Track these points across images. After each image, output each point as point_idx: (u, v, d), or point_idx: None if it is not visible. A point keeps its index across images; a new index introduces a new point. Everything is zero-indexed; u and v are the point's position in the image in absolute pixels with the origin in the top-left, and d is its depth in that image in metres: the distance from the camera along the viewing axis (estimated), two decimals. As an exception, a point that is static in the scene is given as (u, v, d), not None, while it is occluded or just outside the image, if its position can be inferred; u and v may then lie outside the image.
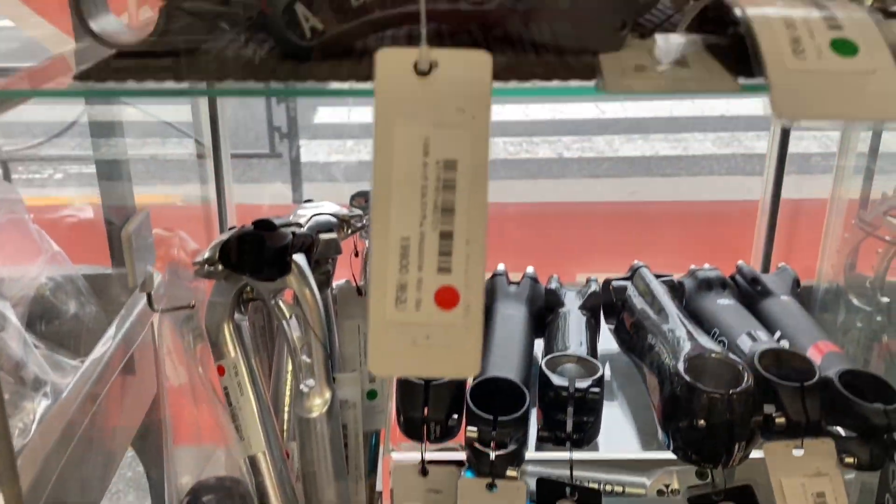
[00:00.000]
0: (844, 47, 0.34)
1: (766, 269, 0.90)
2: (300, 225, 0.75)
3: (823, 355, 0.68)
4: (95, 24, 0.42)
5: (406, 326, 0.38)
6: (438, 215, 0.37)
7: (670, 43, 0.43)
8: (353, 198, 0.84)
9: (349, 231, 0.79)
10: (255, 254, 0.69)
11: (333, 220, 0.78)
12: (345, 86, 0.38)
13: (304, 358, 0.71)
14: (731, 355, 0.63)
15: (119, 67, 0.40)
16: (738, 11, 0.37)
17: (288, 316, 0.71)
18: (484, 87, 0.37)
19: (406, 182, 0.37)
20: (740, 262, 0.80)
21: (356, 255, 0.82)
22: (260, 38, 0.45)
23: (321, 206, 0.80)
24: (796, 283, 0.78)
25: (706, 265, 0.79)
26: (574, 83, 0.38)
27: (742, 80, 0.37)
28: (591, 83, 0.38)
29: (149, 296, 0.67)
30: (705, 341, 0.65)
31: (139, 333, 0.81)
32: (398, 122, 0.37)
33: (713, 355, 0.63)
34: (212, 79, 0.39)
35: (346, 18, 0.41)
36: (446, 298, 0.38)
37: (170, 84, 0.38)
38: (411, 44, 0.44)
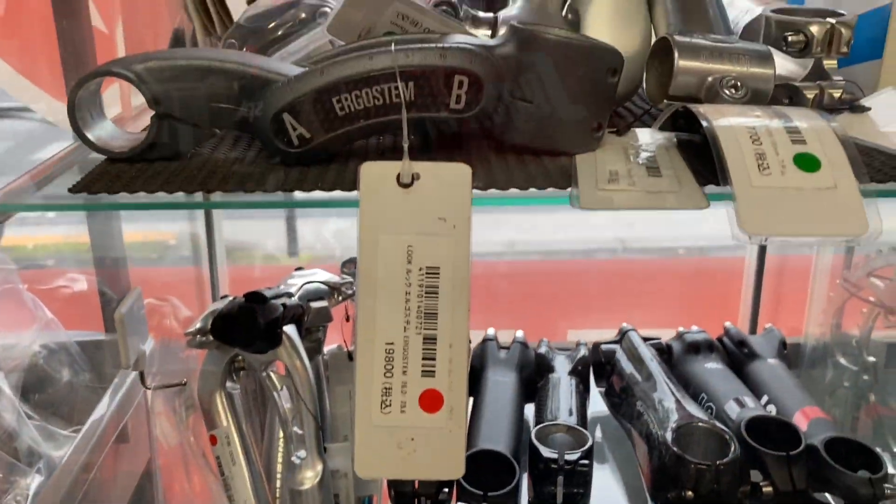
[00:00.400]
0: (807, 162, 0.36)
1: (753, 328, 0.91)
2: (291, 294, 0.76)
3: (810, 421, 0.68)
4: (91, 132, 0.44)
5: (391, 430, 0.38)
6: (422, 320, 0.39)
7: (643, 144, 0.44)
8: (344, 264, 0.85)
9: (340, 298, 0.80)
10: (247, 327, 0.70)
11: (324, 287, 0.79)
12: (331, 196, 0.40)
13: (296, 429, 0.72)
14: (719, 424, 0.64)
15: (112, 177, 0.42)
16: (704, 123, 0.39)
17: (279, 387, 0.72)
18: (464, 198, 0.38)
19: (390, 289, 0.39)
20: (727, 323, 0.81)
21: (347, 319, 0.83)
22: (248, 141, 0.47)
23: (312, 274, 0.81)
24: (783, 344, 0.79)
25: (694, 327, 0.80)
26: (552, 191, 0.40)
27: (711, 188, 0.39)
28: (567, 192, 0.39)
29: (141, 374, 0.68)
30: (693, 409, 0.66)
31: (133, 401, 0.82)
32: (382, 231, 0.38)
33: (700, 424, 0.64)
34: (202, 189, 0.40)
35: (333, 127, 0.43)
36: (430, 402, 0.39)
37: (162, 195, 0.39)
38: (396, 148, 0.46)
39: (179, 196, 0.39)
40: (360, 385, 0.39)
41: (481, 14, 0.52)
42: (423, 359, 0.38)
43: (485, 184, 0.40)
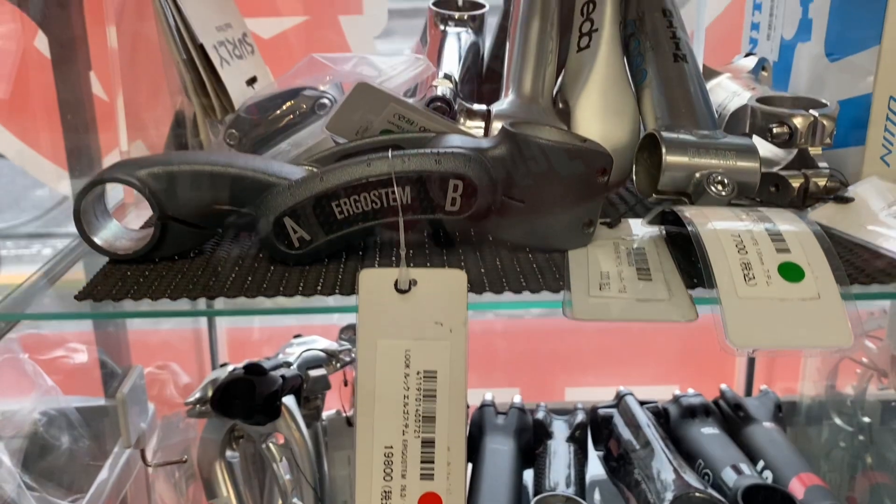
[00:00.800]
0: (791, 272, 0.37)
1: (749, 386, 0.92)
2: (289, 363, 0.77)
3: (807, 488, 0.69)
4: (97, 234, 0.45)
5: (391, 533, 0.39)
6: (420, 424, 0.39)
7: (634, 239, 0.46)
8: (342, 330, 0.86)
9: (338, 365, 0.81)
10: (246, 401, 0.70)
11: (322, 355, 0.80)
12: (331, 302, 0.41)
13: (295, 500, 0.72)
14: (716, 494, 0.64)
15: (116, 279, 0.43)
16: (691, 228, 0.40)
17: (278, 458, 0.72)
18: (460, 302, 0.40)
19: (389, 393, 0.39)
20: (723, 386, 0.82)
21: (346, 384, 0.84)
22: (249, 237, 0.48)
23: (311, 342, 0.82)
24: (778, 407, 0.80)
25: (690, 390, 0.81)
26: (546, 294, 0.41)
27: (700, 292, 0.40)
28: (559, 297, 0.40)
29: (142, 451, 0.68)
30: (690, 478, 0.67)
31: (132, 470, 0.82)
32: (381, 336, 0.40)
33: (698, 495, 0.65)
34: (205, 295, 0.41)
35: (332, 230, 0.44)
36: (429, 505, 0.39)
37: (166, 302, 0.40)
38: (392, 243, 0.47)
39: (183, 302, 0.40)
40: (360, 488, 0.39)
41: (475, 107, 0.53)
42: (422, 462, 0.39)
43: (480, 287, 0.41)
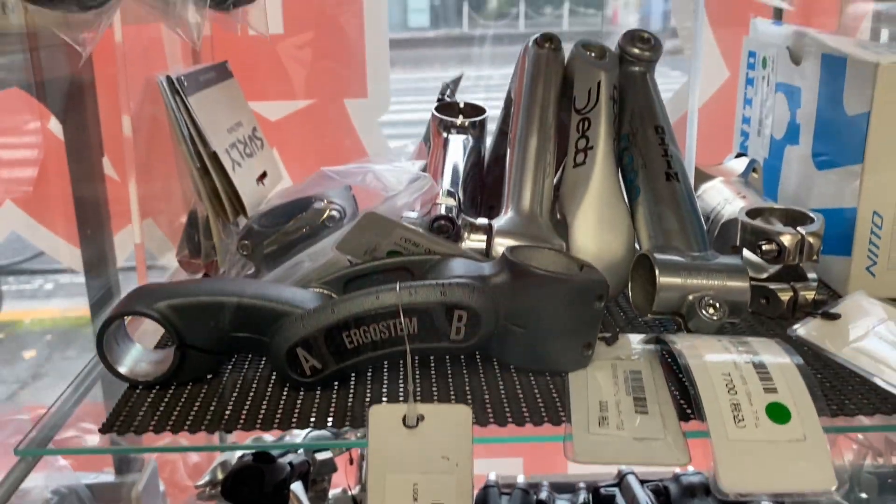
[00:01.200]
0: (779, 413, 0.39)
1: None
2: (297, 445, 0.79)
3: (805, 572, 0.70)
4: (119, 361, 0.47)
5: None
6: (428, 555, 0.41)
7: (631, 359, 0.48)
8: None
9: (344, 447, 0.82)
10: (255, 488, 0.72)
11: (328, 434, 0.82)
12: (342, 441, 0.43)
13: (304, 586, 0.73)
14: (716, 582, 0.66)
15: (136, 406, 0.45)
16: (682, 361, 0.42)
17: (287, 545, 0.74)
18: (466, 437, 0.42)
19: (398, 525, 0.41)
20: (721, 462, 0.84)
21: (351, 462, 0.86)
22: (263, 364, 0.50)
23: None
24: (776, 485, 0.81)
25: (690, 468, 0.82)
26: (548, 428, 0.43)
27: (693, 424, 0.42)
28: (561, 430, 0.42)
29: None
30: (690, 565, 0.68)
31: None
32: (389, 470, 0.41)
33: (698, 582, 0.66)
34: (220, 429, 0.43)
35: (343, 359, 0.46)
36: None
37: (185, 436, 0.43)
38: (401, 369, 0.49)
39: (200, 436, 0.42)
40: None
41: (477, 221, 0.56)
42: (430, 591, 0.41)
43: (484, 420, 0.43)
